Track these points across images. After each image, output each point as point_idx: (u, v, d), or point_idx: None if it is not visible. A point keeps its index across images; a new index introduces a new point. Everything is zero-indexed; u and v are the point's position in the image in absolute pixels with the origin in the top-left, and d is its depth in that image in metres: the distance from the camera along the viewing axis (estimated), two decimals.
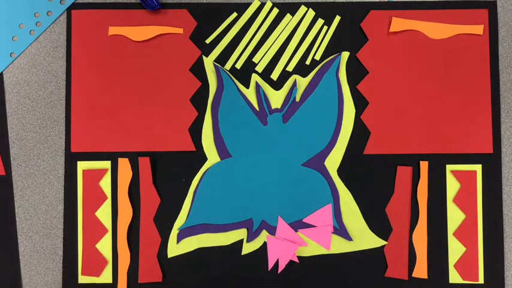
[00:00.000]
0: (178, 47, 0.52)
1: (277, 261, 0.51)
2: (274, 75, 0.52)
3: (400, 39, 0.52)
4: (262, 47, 0.53)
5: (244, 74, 0.52)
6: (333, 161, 0.52)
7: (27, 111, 0.52)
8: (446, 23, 0.52)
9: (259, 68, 0.52)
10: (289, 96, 0.52)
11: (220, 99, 0.52)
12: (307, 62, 0.52)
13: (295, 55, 0.52)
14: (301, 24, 0.53)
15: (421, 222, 0.51)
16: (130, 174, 0.51)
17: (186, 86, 0.52)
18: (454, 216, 0.51)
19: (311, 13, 0.53)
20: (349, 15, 0.53)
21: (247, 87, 0.52)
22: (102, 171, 0.51)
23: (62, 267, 0.51)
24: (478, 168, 0.51)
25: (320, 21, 0.53)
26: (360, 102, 0.52)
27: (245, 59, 0.52)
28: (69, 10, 0.53)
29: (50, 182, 0.52)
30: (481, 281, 0.51)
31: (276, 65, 0.52)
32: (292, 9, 0.53)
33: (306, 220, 0.51)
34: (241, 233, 0.51)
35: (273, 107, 0.52)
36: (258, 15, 0.53)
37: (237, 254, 0.51)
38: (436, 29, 0.52)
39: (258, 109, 0.52)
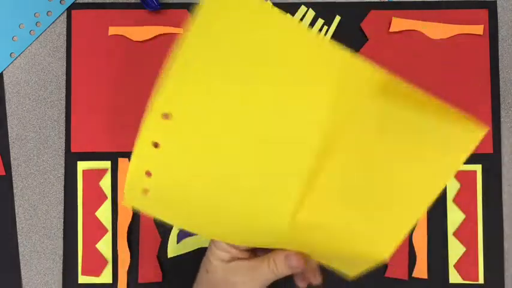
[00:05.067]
0: None
1: None
2: None
3: (400, 39, 0.52)
4: None
5: None
6: None
7: (27, 111, 0.52)
8: (446, 23, 0.52)
9: None
10: None
11: None
12: None
13: None
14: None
15: (421, 222, 0.51)
16: None
17: None
18: (454, 216, 0.51)
19: (311, 13, 0.53)
20: (349, 15, 0.53)
21: None
22: (102, 171, 0.51)
23: (62, 267, 0.51)
24: (478, 168, 0.51)
25: (320, 21, 0.53)
26: None
27: None
28: (69, 10, 0.53)
29: (50, 182, 0.52)
30: (481, 281, 0.50)
31: None
32: (292, 9, 0.53)
33: None
34: None
35: None
36: None
37: None
38: (436, 29, 0.52)
39: None
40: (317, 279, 0.40)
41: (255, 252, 0.38)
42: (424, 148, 0.31)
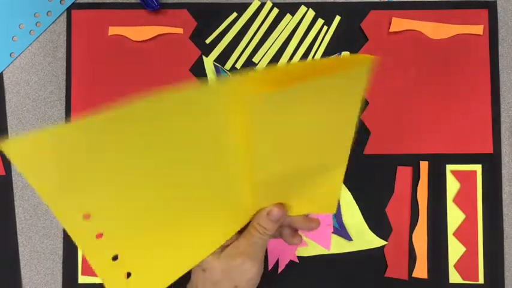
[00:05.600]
0: (178, 47, 0.52)
1: (277, 261, 0.51)
2: None
3: (400, 39, 0.52)
4: (262, 47, 0.53)
5: None
6: None
7: (27, 111, 0.52)
8: (446, 23, 0.52)
9: (259, 68, 0.52)
10: None
11: None
12: None
13: (295, 55, 0.52)
14: (301, 24, 0.53)
15: (421, 222, 0.51)
16: None
17: None
18: (454, 216, 0.51)
19: (311, 13, 0.53)
20: (349, 15, 0.53)
21: None
22: None
23: (62, 267, 0.51)
24: (478, 168, 0.51)
25: (320, 21, 0.53)
26: None
27: (245, 59, 0.52)
28: (69, 10, 0.53)
29: None
30: (481, 281, 0.50)
31: (276, 65, 0.52)
32: (292, 9, 0.53)
33: None
34: None
35: None
36: (258, 15, 0.53)
37: None
38: (436, 29, 0.52)
39: None
40: (313, 224, 0.40)
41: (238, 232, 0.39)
42: (327, 105, 0.31)
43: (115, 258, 0.33)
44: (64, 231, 0.51)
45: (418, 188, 0.51)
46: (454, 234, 0.51)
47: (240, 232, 0.38)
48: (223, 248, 0.37)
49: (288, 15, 0.53)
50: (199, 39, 0.53)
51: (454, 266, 0.51)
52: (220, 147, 0.30)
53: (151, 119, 0.27)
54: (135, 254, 0.33)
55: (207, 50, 0.52)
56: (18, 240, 0.51)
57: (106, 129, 0.26)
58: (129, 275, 0.33)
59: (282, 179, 0.34)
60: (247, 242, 0.37)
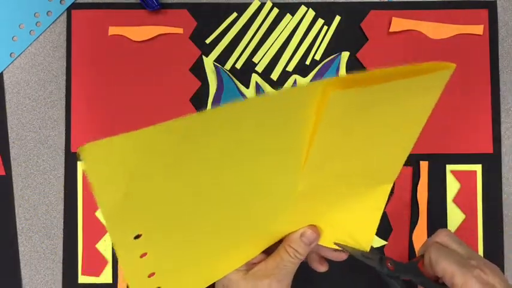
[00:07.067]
0: (178, 47, 0.52)
1: None
2: (274, 75, 0.52)
3: (400, 39, 0.52)
4: (262, 47, 0.53)
5: (244, 74, 0.52)
6: None
7: (27, 111, 0.52)
8: (446, 23, 0.52)
9: (259, 68, 0.52)
10: None
11: (220, 99, 0.52)
12: (307, 62, 0.52)
13: (295, 55, 0.52)
14: (301, 24, 0.53)
15: (421, 222, 0.51)
16: None
17: (186, 86, 0.52)
18: (454, 216, 0.51)
19: (311, 13, 0.53)
20: (349, 15, 0.53)
21: (247, 87, 0.52)
22: None
23: (62, 267, 0.51)
24: (478, 168, 0.51)
25: (320, 21, 0.53)
26: None
27: (245, 59, 0.52)
28: (69, 10, 0.53)
29: (50, 182, 0.52)
30: None
31: (276, 65, 0.52)
32: (292, 9, 0.53)
33: None
34: None
35: None
36: (258, 15, 0.53)
37: None
38: (436, 29, 0.52)
39: None
40: (342, 254, 0.38)
41: (267, 250, 0.37)
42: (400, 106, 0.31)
43: (151, 275, 0.32)
44: (64, 231, 0.51)
45: (418, 188, 0.51)
46: (454, 234, 0.51)
47: (267, 251, 0.36)
48: (249, 266, 0.36)
49: (288, 15, 0.53)
50: (199, 39, 0.53)
51: None
52: (288, 158, 0.29)
53: (232, 125, 0.26)
54: (168, 271, 0.33)
55: (207, 50, 0.52)
56: (18, 240, 0.51)
57: (187, 134, 0.26)
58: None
59: (323, 191, 0.33)
60: (276, 265, 0.35)
